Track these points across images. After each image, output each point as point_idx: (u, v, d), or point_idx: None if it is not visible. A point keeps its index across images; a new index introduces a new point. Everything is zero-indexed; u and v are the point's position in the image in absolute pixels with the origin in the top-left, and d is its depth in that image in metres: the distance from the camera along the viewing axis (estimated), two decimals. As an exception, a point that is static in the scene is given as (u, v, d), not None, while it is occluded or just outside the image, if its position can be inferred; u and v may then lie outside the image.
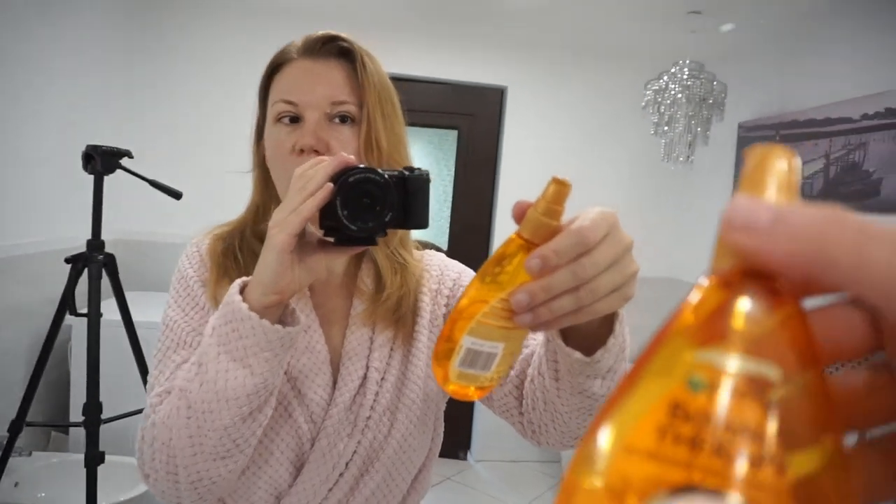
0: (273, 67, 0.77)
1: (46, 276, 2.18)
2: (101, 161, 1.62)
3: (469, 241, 3.15)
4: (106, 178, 1.67)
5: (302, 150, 0.72)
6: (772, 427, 0.18)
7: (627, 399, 0.20)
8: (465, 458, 3.25)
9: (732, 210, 0.20)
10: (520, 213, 0.44)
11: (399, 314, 0.80)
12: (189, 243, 0.82)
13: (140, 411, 0.77)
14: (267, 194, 0.80)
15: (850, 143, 2.16)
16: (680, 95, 2.46)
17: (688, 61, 2.47)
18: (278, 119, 0.74)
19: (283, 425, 0.75)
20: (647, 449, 0.19)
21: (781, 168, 0.21)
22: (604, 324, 0.54)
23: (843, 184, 2.20)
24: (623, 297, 0.46)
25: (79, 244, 1.72)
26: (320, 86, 0.74)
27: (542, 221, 0.42)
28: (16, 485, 1.84)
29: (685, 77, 2.46)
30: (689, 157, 2.54)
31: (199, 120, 2.86)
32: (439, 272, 0.86)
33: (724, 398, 0.19)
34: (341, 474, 0.77)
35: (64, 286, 1.66)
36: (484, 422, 3.22)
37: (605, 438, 0.20)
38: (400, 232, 0.82)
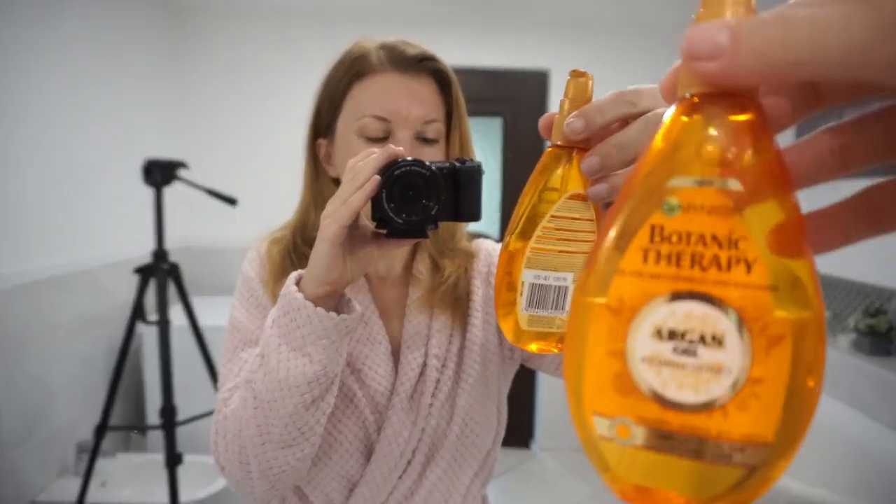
0: (354, 74, 0.75)
1: (115, 285, 2.29)
2: (160, 173, 1.69)
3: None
4: (165, 189, 1.74)
5: None
6: (738, 233, 0.21)
7: (615, 228, 0.23)
8: (528, 448, 3.24)
9: (690, 38, 0.20)
10: (546, 126, 0.40)
11: (455, 295, 0.80)
12: (250, 248, 0.85)
13: (211, 412, 0.80)
14: (317, 193, 0.81)
15: None
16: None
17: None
18: (364, 134, 0.73)
19: (349, 416, 0.76)
20: (635, 269, 0.22)
21: None
22: None
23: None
24: None
25: (143, 253, 1.79)
26: (414, 105, 0.73)
27: None
28: (103, 484, 1.95)
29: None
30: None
31: (251, 125, 2.93)
32: (487, 255, 0.86)
33: (693, 216, 0.21)
34: (409, 462, 0.78)
35: (133, 295, 1.75)
36: (547, 410, 3.20)
37: (601, 262, 0.23)
38: (450, 223, 0.82)
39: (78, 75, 2.07)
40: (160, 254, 1.73)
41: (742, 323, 0.21)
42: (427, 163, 0.60)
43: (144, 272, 1.73)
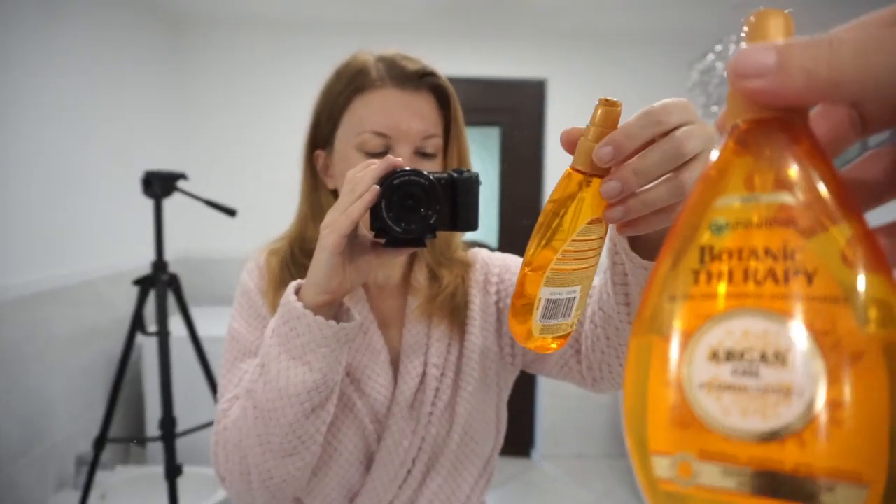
0: (355, 88, 0.75)
1: (115, 297, 2.29)
2: (160, 185, 1.69)
3: (520, 239, 3.12)
4: (165, 200, 1.74)
5: None
6: (793, 244, 0.20)
7: (665, 262, 0.22)
8: (529, 457, 3.23)
9: (738, 59, 0.21)
10: (569, 141, 0.40)
11: (453, 305, 0.81)
12: (249, 258, 0.85)
13: (211, 423, 0.81)
14: (315, 204, 0.82)
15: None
16: (727, 74, 2.37)
17: (733, 37, 2.39)
18: (364, 149, 0.74)
19: (349, 425, 0.77)
20: (685, 293, 0.21)
21: (777, 20, 0.22)
22: None
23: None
24: None
25: (143, 264, 1.80)
26: (414, 120, 0.74)
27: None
28: (102, 497, 1.94)
29: (732, 54, 2.37)
30: (741, 135, 2.45)
31: (250, 136, 2.94)
32: (483, 264, 0.87)
33: (743, 232, 0.20)
34: (409, 471, 0.78)
35: (133, 307, 1.74)
36: (547, 418, 3.19)
37: (653, 296, 0.22)
38: (447, 234, 0.83)
39: (78, 87, 2.08)
40: (160, 265, 1.73)
41: (809, 337, 0.18)
42: (425, 173, 0.61)
43: (144, 283, 1.74)
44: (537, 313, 0.43)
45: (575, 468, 3.08)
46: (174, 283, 1.77)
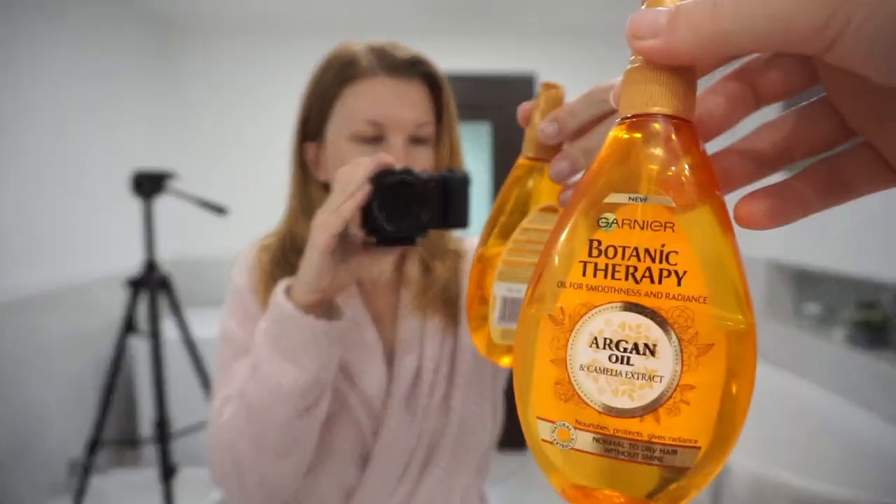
0: (345, 78, 0.74)
1: (106, 301, 2.27)
2: (150, 185, 1.68)
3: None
4: (158, 199, 1.73)
5: None
6: (669, 247, 0.22)
7: (559, 243, 0.24)
8: (528, 452, 3.24)
9: (633, 21, 0.22)
10: (525, 117, 0.39)
11: (446, 297, 0.80)
12: (239, 256, 0.84)
13: (204, 423, 0.80)
14: (305, 197, 0.81)
15: None
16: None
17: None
18: (357, 139, 0.73)
19: (344, 422, 0.76)
20: (575, 282, 0.23)
21: None
22: None
23: None
24: None
25: (134, 267, 1.78)
26: (407, 109, 0.73)
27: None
28: (97, 502, 1.92)
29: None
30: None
31: (240, 136, 2.93)
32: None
33: (628, 231, 0.23)
34: (407, 466, 0.78)
35: (124, 309, 1.73)
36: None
37: (546, 275, 0.24)
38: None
39: (66, 89, 2.06)
40: (151, 266, 1.72)
41: (672, 332, 0.22)
42: (417, 172, 0.60)
43: (135, 284, 1.72)
44: (494, 315, 0.39)
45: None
46: (166, 284, 1.75)
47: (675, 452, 0.22)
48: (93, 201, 2.22)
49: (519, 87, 3.10)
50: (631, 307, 0.22)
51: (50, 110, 1.98)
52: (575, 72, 3.06)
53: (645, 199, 0.22)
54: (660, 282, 0.22)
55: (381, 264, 0.81)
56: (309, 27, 2.87)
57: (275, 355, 0.62)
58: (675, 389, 0.22)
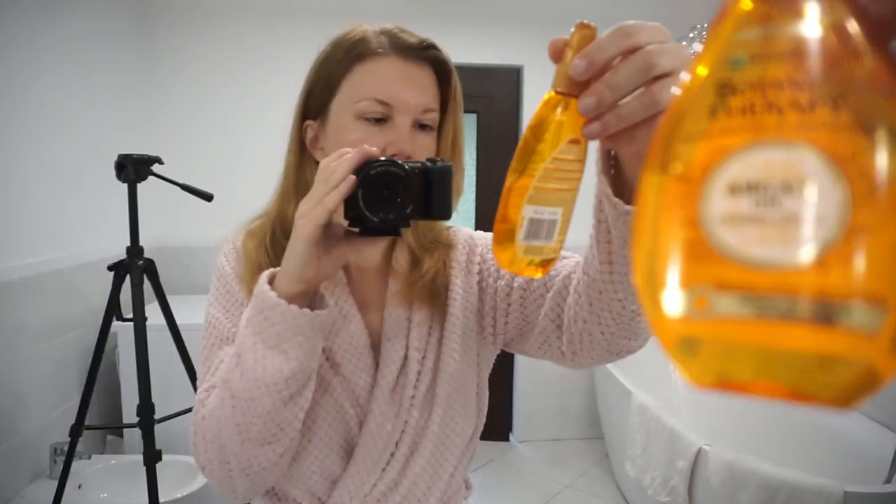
0: (356, 55, 0.73)
1: (89, 285, 2.26)
2: (134, 169, 1.66)
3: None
4: (139, 186, 1.71)
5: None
6: (815, 73, 0.18)
7: (684, 94, 0.21)
8: (508, 440, 3.27)
9: None
10: (556, 53, 0.42)
11: (433, 290, 0.81)
12: (224, 242, 0.84)
13: (190, 409, 0.80)
14: (300, 178, 0.80)
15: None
16: (700, 60, 2.40)
17: (705, 25, 2.42)
18: (363, 117, 0.72)
19: (329, 411, 0.76)
20: (702, 130, 0.20)
21: None
22: None
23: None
24: None
25: (119, 252, 1.77)
26: (416, 91, 0.73)
27: None
28: (79, 487, 1.92)
29: (704, 41, 2.40)
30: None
31: (223, 122, 2.90)
32: (465, 244, 0.86)
33: (765, 64, 0.19)
34: (392, 454, 0.79)
35: (108, 294, 1.72)
36: (525, 403, 3.24)
37: (665, 134, 0.21)
38: None
39: (47, 73, 2.03)
40: (134, 251, 1.71)
41: (833, 165, 0.18)
42: (401, 162, 0.61)
43: (118, 269, 1.71)
44: (520, 233, 0.43)
45: (552, 450, 3.13)
46: (150, 269, 1.74)
47: (852, 310, 0.17)
48: (74, 187, 2.20)
49: (506, 79, 3.10)
50: (776, 144, 0.18)
51: (28, 95, 1.95)
52: (561, 64, 3.07)
53: (780, 30, 0.19)
54: (812, 111, 0.18)
55: (366, 254, 0.82)
56: (293, 14, 2.85)
57: (259, 345, 0.63)
58: (847, 232, 0.17)
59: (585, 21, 0.40)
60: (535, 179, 0.41)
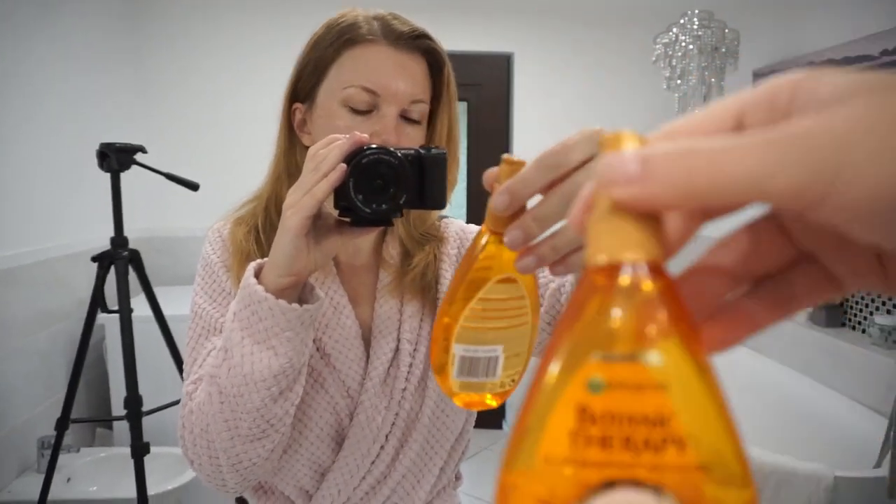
0: (346, 40, 0.72)
1: (74, 277, 2.23)
2: (116, 158, 1.63)
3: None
4: (123, 176, 1.68)
5: None
6: (667, 410, 0.19)
7: (540, 405, 0.21)
8: (500, 428, 3.29)
9: (602, 168, 0.20)
10: (489, 187, 0.40)
11: (424, 282, 0.80)
12: (211, 230, 0.82)
13: (178, 402, 0.78)
14: (291, 161, 0.78)
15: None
16: (691, 46, 2.39)
17: (696, 11, 2.40)
18: (349, 104, 0.71)
19: (320, 402, 0.75)
20: (564, 456, 0.20)
21: (631, 134, 0.21)
22: None
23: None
24: None
25: (102, 243, 1.74)
26: (404, 81, 0.71)
27: None
28: (68, 480, 1.90)
29: (695, 27, 2.39)
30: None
31: (210, 110, 2.86)
32: (457, 236, 0.85)
33: (620, 395, 0.19)
34: (382, 447, 0.78)
35: (93, 286, 1.70)
36: (518, 392, 3.23)
37: (526, 446, 0.21)
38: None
39: (30, 61, 1.99)
40: (119, 241, 1.68)
41: None
42: (393, 149, 0.58)
43: (103, 260, 1.68)
44: (452, 370, 0.41)
45: (543, 438, 3.15)
46: (135, 260, 1.72)
47: None
48: (57, 177, 2.16)
49: (496, 66, 3.08)
50: (635, 485, 0.19)
51: (10, 83, 1.91)
52: (551, 52, 3.05)
53: (635, 358, 0.20)
54: (661, 451, 0.19)
55: (356, 244, 0.81)
56: (281, 2, 2.80)
57: (246, 340, 0.61)
58: None
59: (511, 156, 0.38)
60: (461, 320, 0.39)
